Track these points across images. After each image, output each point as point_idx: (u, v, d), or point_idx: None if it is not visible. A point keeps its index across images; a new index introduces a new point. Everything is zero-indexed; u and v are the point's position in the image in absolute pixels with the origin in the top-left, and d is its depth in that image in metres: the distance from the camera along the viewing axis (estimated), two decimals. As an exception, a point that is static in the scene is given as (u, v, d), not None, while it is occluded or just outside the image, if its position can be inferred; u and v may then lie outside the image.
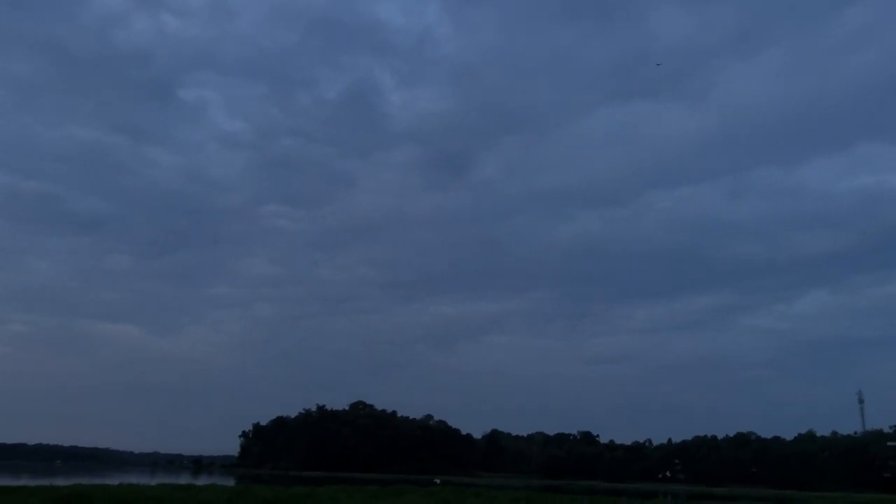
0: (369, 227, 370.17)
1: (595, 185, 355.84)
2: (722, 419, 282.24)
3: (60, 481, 28.20)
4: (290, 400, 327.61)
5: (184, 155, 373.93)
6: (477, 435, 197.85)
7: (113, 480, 32.88)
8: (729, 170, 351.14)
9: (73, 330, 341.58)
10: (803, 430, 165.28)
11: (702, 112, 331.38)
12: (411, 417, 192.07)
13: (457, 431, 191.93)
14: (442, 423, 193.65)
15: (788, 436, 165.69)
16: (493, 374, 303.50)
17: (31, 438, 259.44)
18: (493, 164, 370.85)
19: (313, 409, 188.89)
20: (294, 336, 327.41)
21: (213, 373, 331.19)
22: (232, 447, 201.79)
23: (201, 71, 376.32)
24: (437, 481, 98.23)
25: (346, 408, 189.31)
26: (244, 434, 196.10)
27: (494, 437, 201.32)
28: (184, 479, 46.87)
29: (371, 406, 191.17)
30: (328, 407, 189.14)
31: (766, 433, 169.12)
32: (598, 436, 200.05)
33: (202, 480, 44.11)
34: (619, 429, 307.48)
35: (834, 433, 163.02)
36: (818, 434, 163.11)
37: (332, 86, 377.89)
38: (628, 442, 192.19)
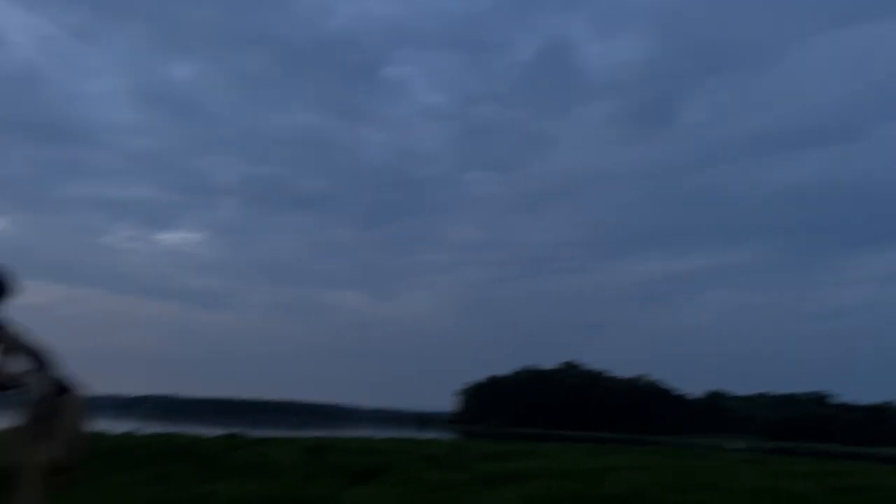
0: (570, 185, 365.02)
1: (819, 121, 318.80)
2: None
3: (303, 433, 29.80)
4: (501, 360, 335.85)
5: (391, 131, 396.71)
6: (694, 395, 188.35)
7: (346, 433, 34.40)
8: None
9: (307, 298, 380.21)
10: None
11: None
12: (623, 377, 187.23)
13: (671, 391, 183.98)
14: (656, 382, 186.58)
15: None
16: (711, 331, 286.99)
17: (278, 395, 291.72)
18: (699, 108, 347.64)
19: (524, 368, 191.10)
20: (502, 298, 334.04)
21: (430, 334, 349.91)
22: (450, 404, 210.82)
23: (402, 48, 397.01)
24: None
25: (557, 367, 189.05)
26: (460, 392, 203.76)
27: (715, 397, 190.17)
28: (410, 433, 48.98)
29: (581, 365, 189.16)
30: (538, 366, 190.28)
31: None
32: (831, 396, 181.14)
33: (426, 434, 45.80)
34: (855, 388, 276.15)
35: None
36: None
37: (527, 47, 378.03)
38: (867, 403, 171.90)
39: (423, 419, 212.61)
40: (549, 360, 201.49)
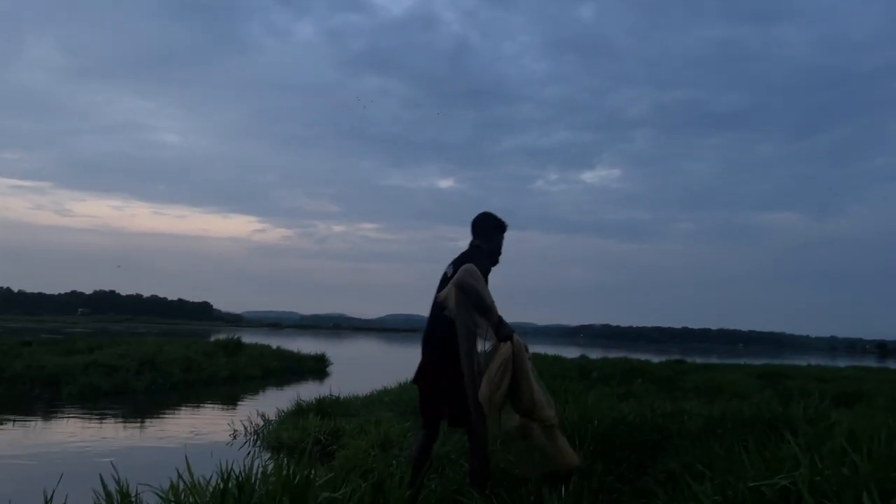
0: None
1: None
2: None
3: (747, 361, 28.94)
4: None
5: (813, 24, 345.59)
6: None
7: (794, 362, 32.13)
8: None
9: (731, 222, 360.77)
10: None
11: None
12: None
13: None
14: None
15: None
16: None
17: (711, 324, 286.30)
18: None
19: None
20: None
21: (889, 252, 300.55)
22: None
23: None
24: None
25: None
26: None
27: None
28: (868, 363, 43.28)
29: None
30: None
31: None
32: None
33: (890, 364, 39.74)
34: None
35: None
36: None
37: None
38: None
39: (886, 348, 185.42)
40: None
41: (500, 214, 4.33)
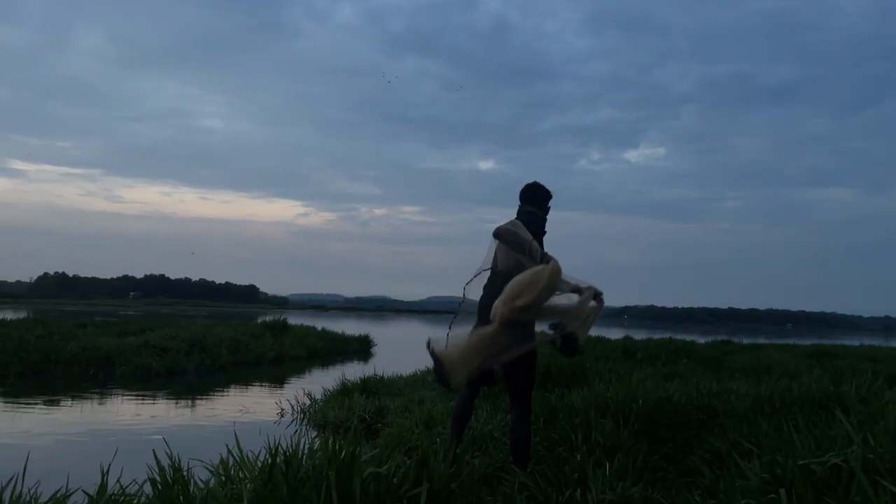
0: None
1: None
2: None
3: (796, 341, 28.30)
4: None
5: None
6: None
7: (846, 342, 31.33)
8: None
9: (780, 200, 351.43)
10: None
11: None
12: None
13: None
14: None
15: None
16: None
17: (762, 304, 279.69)
18: None
19: None
20: None
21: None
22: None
23: None
24: None
25: None
26: None
27: None
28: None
29: None
30: None
31: None
32: None
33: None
34: None
35: None
36: None
37: None
38: None
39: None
40: None
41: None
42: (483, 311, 4.00)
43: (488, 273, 4.14)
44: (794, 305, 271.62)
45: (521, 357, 3.80)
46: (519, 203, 4.33)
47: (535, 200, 4.32)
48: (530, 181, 4.37)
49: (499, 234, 3.94)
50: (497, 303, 3.72)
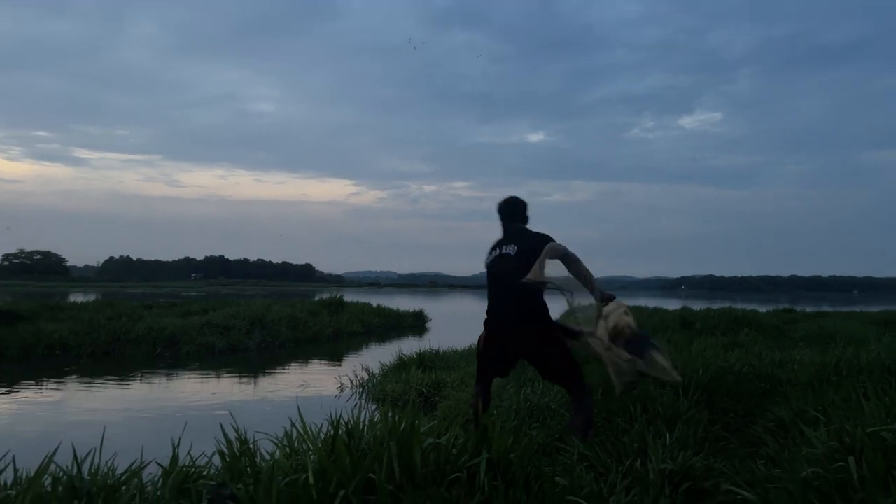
0: None
1: None
2: None
3: (864, 308, 27.34)
4: None
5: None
6: None
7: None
8: None
9: (843, 162, 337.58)
10: None
11: None
12: None
13: None
14: None
15: None
16: None
17: (826, 271, 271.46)
18: None
19: None
20: None
21: None
22: None
23: None
24: None
25: None
26: None
27: None
28: None
29: None
30: None
31: None
32: None
33: None
34: None
35: None
36: None
37: None
38: None
39: None
40: None
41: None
42: (502, 317, 4.00)
43: (554, 264, 3.93)
44: (860, 272, 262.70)
45: (553, 350, 3.92)
46: (500, 219, 4.23)
47: (522, 216, 4.23)
48: (511, 196, 4.25)
49: (563, 255, 3.88)
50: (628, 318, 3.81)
